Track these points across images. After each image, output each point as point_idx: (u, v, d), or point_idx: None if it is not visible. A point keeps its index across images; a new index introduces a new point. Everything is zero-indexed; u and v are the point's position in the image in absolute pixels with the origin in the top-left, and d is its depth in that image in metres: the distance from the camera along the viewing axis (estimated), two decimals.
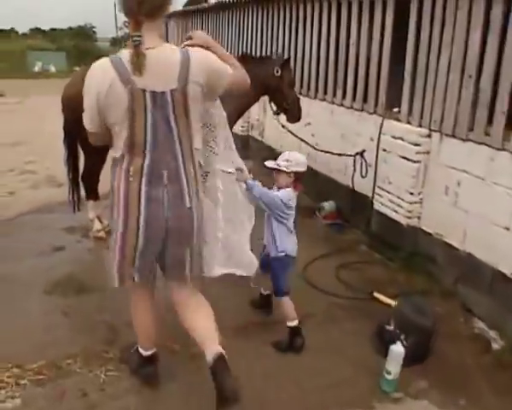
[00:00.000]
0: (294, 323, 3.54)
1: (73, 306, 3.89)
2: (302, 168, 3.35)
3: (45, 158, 7.79)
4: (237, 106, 4.77)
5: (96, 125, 2.46)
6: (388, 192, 4.96)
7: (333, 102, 6.09)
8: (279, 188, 3.36)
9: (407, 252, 4.78)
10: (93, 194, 5.06)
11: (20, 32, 55.21)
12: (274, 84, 4.95)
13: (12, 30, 55.82)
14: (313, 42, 6.45)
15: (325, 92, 6.27)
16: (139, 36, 2.26)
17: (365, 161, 5.32)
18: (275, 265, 3.49)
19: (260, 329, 3.75)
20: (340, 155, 5.68)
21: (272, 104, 5.30)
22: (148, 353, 3.01)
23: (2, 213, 5.68)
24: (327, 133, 6.13)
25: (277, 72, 4.93)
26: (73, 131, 4.48)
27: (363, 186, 5.45)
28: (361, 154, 5.36)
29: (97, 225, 5.05)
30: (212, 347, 2.72)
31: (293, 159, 3.34)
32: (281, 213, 3.34)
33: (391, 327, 3.53)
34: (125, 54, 2.30)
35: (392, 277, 4.68)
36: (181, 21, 12.10)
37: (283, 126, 5.57)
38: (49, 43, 37.70)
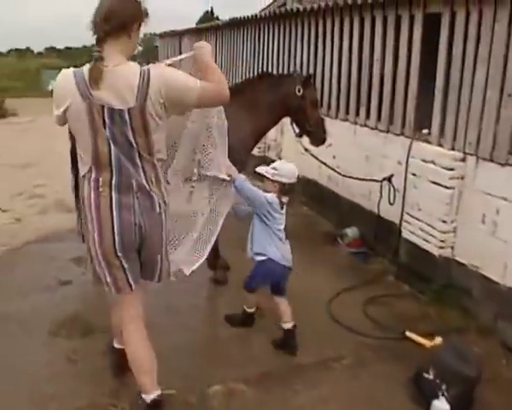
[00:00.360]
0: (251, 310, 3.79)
1: (78, 350, 3.57)
2: (286, 180, 3.38)
3: (54, 181, 7.53)
4: (254, 128, 4.44)
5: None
6: (418, 220, 4.60)
7: (356, 123, 5.76)
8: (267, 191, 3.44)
9: (439, 284, 4.42)
10: None
11: (35, 51, 55.92)
12: (295, 104, 4.56)
13: (28, 49, 56.47)
14: (334, 58, 6.13)
15: (347, 112, 5.94)
16: (99, 51, 2.36)
17: (393, 187, 4.96)
18: (255, 267, 3.63)
19: (284, 374, 3.42)
20: (366, 180, 5.31)
21: (294, 126, 4.87)
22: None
23: (9, 242, 5.41)
24: (349, 155, 5.79)
25: (299, 91, 4.53)
26: None
27: (389, 212, 5.10)
28: (389, 179, 5.00)
29: None
30: (152, 390, 2.75)
31: (280, 169, 3.41)
32: (265, 213, 3.42)
33: (430, 376, 3.17)
34: (86, 68, 2.37)
35: (423, 311, 4.33)
36: (194, 39, 11.86)
37: (306, 150, 5.16)
38: (63, 61, 37.85)
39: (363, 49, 5.58)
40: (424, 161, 4.50)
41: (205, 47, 2.82)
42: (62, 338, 3.70)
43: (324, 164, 5.53)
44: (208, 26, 10.87)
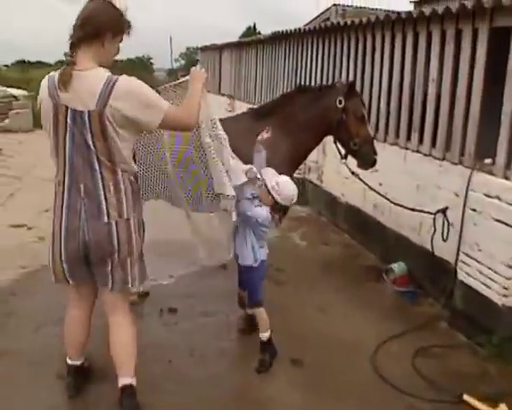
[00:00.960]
0: (267, 334, 3.58)
1: (86, 399, 3.18)
2: (281, 199, 3.34)
3: None
4: (293, 151, 4.00)
5: None
6: (477, 261, 4.03)
7: (406, 148, 5.21)
8: (260, 201, 3.40)
9: (501, 337, 3.83)
10: None
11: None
12: (336, 118, 4.00)
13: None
14: (383, 77, 5.62)
15: (397, 135, 5.41)
16: (70, 56, 2.53)
17: (448, 221, 4.40)
18: (254, 275, 3.55)
19: None
20: (418, 211, 4.75)
21: (338, 145, 4.29)
22: (75, 362, 3.18)
23: (29, 264, 5.09)
24: (398, 183, 5.25)
25: (340, 102, 3.97)
26: None
27: (442, 249, 4.54)
28: (443, 212, 4.44)
29: None
30: (123, 377, 2.95)
31: (280, 187, 3.35)
32: (262, 229, 3.43)
33: None
34: (58, 72, 2.54)
35: (483, 369, 3.75)
36: (235, 53, 11.55)
37: (353, 173, 4.53)
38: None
39: (416, 67, 5.05)
40: (487, 195, 3.94)
41: (198, 74, 2.91)
42: None
43: (373, 190, 4.96)
44: (249, 40, 10.51)
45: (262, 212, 3.36)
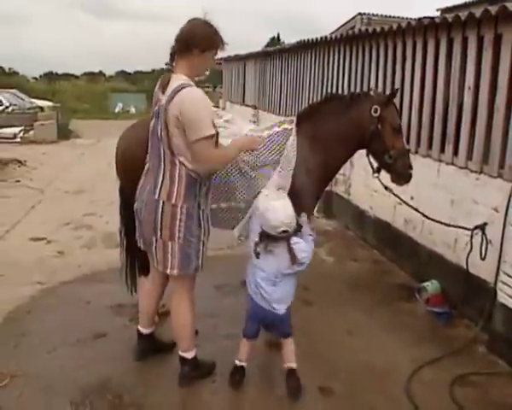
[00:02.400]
0: (294, 365, 3.44)
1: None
2: (264, 226, 3.15)
3: (105, 210, 7.15)
4: (323, 166, 3.75)
5: None
6: None
7: (440, 160, 4.94)
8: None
9: None
10: (145, 268, 4.18)
11: (107, 75, 57.86)
12: (371, 128, 3.71)
13: (100, 72, 58.59)
14: (415, 85, 5.37)
15: (430, 147, 5.14)
16: (170, 65, 3.03)
17: (486, 238, 4.12)
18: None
19: None
20: (453, 226, 4.47)
21: (371, 158, 3.99)
22: (143, 330, 3.64)
23: (47, 280, 4.97)
24: (431, 197, 4.98)
25: (376, 111, 3.67)
26: (132, 199, 3.37)
27: (479, 268, 4.26)
28: (482, 228, 4.16)
29: None
30: (180, 351, 3.42)
31: (261, 209, 3.20)
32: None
33: None
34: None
35: None
36: (258, 63, 11.40)
37: (386, 188, 4.20)
38: (131, 85, 38.87)
39: (451, 75, 4.79)
40: None
41: (250, 142, 3.35)
42: None
43: (408, 204, 4.68)
44: (274, 49, 10.34)
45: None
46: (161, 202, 2.97)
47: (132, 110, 28.94)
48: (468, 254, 4.29)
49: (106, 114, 26.26)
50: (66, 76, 51.69)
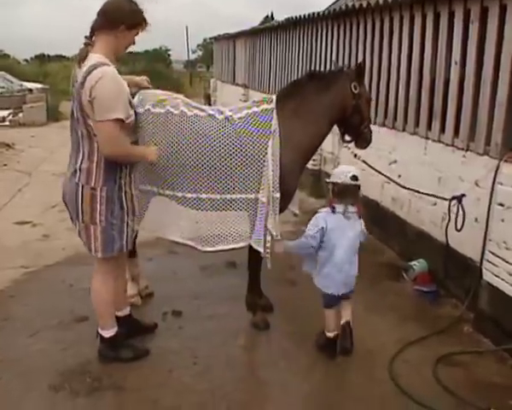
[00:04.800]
0: (329, 334, 3.53)
1: None
2: (336, 179, 3.33)
3: None
4: (306, 138, 3.68)
5: None
6: (506, 261, 3.68)
7: (427, 137, 4.87)
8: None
9: None
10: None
11: None
12: (351, 103, 3.79)
13: None
14: (402, 61, 5.27)
15: (417, 124, 5.06)
16: (90, 40, 2.91)
17: (463, 209, 4.07)
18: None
19: None
20: (430, 195, 4.43)
21: (342, 131, 4.04)
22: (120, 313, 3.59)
23: (32, 263, 4.92)
24: (418, 175, 4.92)
25: (355, 88, 3.77)
26: None
27: (464, 246, 4.21)
28: (458, 199, 4.11)
29: (131, 289, 4.11)
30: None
31: (333, 171, 3.44)
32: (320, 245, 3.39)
33: None
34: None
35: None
36: (248, 41, 11.23)
37: (356, 156, 4.33)
38: (123, 65, 38.30)
39: (438, 50, 4.69)
40: None
41: (150, 153, 3.21)
42: (64, 396, 3.07)
43: (384, 175, 4.67)
44: (263, 27, 10.19)
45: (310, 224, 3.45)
46: (81, 185, 2.92)
47: None
48: (447, 226, 4.25)
49: None
50: (58, 58, 51.04)
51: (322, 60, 7.29)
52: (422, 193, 4.48)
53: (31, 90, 15.82)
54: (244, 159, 3.44)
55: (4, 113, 14.31)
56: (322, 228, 3.31)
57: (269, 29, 9.68)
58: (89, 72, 2.73)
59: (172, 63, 50.70)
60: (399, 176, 5.18)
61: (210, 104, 15.79)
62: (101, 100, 2.73)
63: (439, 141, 4.65)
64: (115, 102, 2.79)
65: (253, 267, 3.89)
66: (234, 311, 4.04)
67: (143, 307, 4.12)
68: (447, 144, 4.54)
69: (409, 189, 4.54)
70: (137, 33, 2.98)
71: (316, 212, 3.56)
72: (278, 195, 3.42)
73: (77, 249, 5.06)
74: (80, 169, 2.91)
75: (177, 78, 35.43)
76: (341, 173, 3.33)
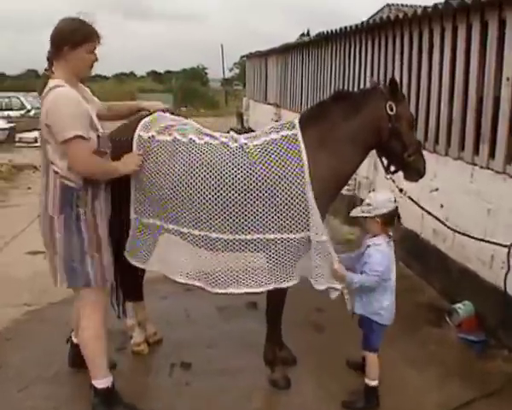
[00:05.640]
0: (374, 383, 3.18)
1: None
2: (385, 209, 3.05)
3: None
4: (334, 168, 3.15)
5: None
6: None
7: (473, 163, 4.29)
8: (373, 236, 3.14)
9: None
10: (133, 292, 3.71)
11: (138, 75, 58.18)
12: (389, 128, 3.21)
13: (131, 73, 58.93)
14: (444, 78, 4.72)
15: (461, 148, 4.49)
16: (48, 70, 2.86)
17: None
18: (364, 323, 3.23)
19: None
20: (486, 241, 3.81)
21: (384, 160, 3.45)
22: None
23: (36, 301, 4.55)
24: (463, 206, 4.35)
25: (391, 109, 3.19)
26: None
27: None
28: None
29: (137, 336, 3.70)
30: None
31: (374, 201, 3.09)
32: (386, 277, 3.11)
33: None
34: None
35: None
36: (280, 59, 10.84)
37: (401, 191, 3.50)
38: (159, 84, 38.80)
39: (485, 66, 4.13)
40: None
41: (132, 160, 3.04)
42: None
43: (431, 214, 3.97)
44: (295, 43, 9.77)
45: (377, 258, 3.11)
46: (45, 214, 2.82)
47: None
48: (506, 274, 3.63)
49: (133, 116, 26.11)
50: (98, 78, 52.23)
51: (356, 77, 6.81)
52: (475, 238, 3.81)
53: None
54: (262, 193, 2.98)
55: (36, 134, 14.28)
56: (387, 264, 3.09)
57: (300, 45, 9.27)
58: (45, 96, 2.71)
59: (209, 81, 51.24)
60: (442, 206, 4.62)
61: (242, 123, 15.51)
62: (57, 120, 2.65)
63: (488, 168, 4.07)
64: (71, 119, 2.66)
65: (273, 313, 3.40)
66: (251, 363, 3.54)
67: (150, 357, 3.69)
68: (497, 172, 3.95)
69: (459, 232, 3.88)
70: (93, 49, 2.84)
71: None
72: (324, 238, 3.05)
73: None
74: (45, 197, 2.82)
75: (212, 95, 35.62)
76: (386, 202, 3.06)
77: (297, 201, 2.99)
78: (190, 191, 3.02)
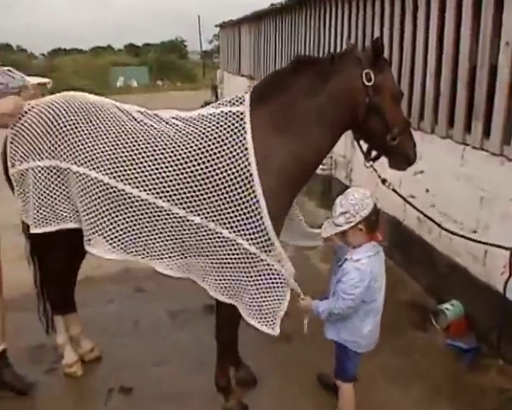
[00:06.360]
0: None
1: None
2: (366, 211, 2.42)
3: None
4: (294, 155, 2.50)
5: None
6: None
7: (465, 143, 3.72)
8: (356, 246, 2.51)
9: None
10: (61, 303, 3.10)
11: (116, 49, 56.41)
12: (366, 102, 2.52)
13: (109, 46, 57.15)
14: (430, 44, 4.11)
15: (451, 125, 3.91)
16: None
17: None
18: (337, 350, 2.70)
19: None
20: (483, 243, 3.19)
21: (362, 143, 2.76)
22: None
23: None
24: (452, 192, 3.79)
25: (368, 78, 2.49)
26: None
27: None
28: None
29: (69, 356, 3.13)
30: None
31: (347, 207, 2.44)
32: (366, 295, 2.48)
33: None
34: None
35: None
36: (253, 27, 10.16)
37: (385, 182, 2.82)
38: (134, 58, 37.71)
39: (480, 30, 3.53)
40: None
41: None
42: None
43: (419, 210, 3.25)
44: (268, 9, 9.06)
45: (353, 276, 2.49)
46: None
47: (134, 84, 27.91)
48: (507, 280, 3.06)
49: (106, 90, 25.16)
50: (74, 51, 50.68)
51: (332, 44, 6.20)
52: (469, 239, 3.16)
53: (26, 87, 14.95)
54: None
55: None
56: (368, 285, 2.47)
57: (273, 12, 8.60)
58: None
59: (189, 54, 50.23)
60: (427, 191, 4.07)
61: (217, 96, 14.78)
62: None
63: (482, 148, 3.50)
64: None
65: (224, 329, 2.82)
66: (204, 385, 2.96)
67: (84, 380, 3.12)
68: (493, 153, 3.38)
69: (453, 233, 3.23)
70: None
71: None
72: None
73: (20, 290, 4.01)
74: None
75: (190, 68, 34.73)
76: (363, 200, 2.43)
77: (239, 200, 2.38)
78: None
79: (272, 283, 2.52)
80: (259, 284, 2.51)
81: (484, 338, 3.48)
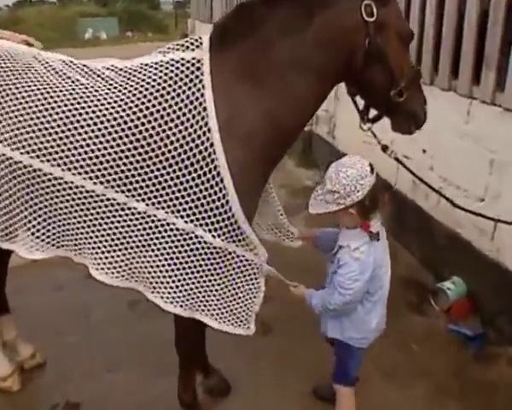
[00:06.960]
0: None
1: None
2: (359, 193, 1.91)
3: None
4: (269, 116, 1.91)
5: None
6: None
7: (472, 96, 3.16)
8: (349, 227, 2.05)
9: None
10: None
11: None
12: (363, 44, 1.91)
13: None
14: None
15: (455, 74, 3.34)
16: None
17: None
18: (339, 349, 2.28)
19: None
20: (490, 219, 2.65)
21: (358, 99, 2.18)
22: None
23: None
24: (455, 153, 3.28)
25: (370, 13, 1.87)
26: None
27: None
28: None
29: (2, 368, 2.64)
30: None
31: (338, 186, 1.94)
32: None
33: None
34: None
35: None
36: None
37: (385, 149, 2.24)
38: (102, 9, 36.13)
39: None
40: None
41: None
42: None
43: (420, 179, 2.67)
44: None
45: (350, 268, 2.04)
46: None
47: (103, 36, 26.68)
48: None
49: (74, 42, 23.99)
50: (40, 3, 48.55)
51: None
52: (475, 213, 2.58)
53: None
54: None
55: None
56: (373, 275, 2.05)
57: None
58: None
59: (162, 5, 48.61)
60: (424, 151, 3.56)
61: None
62: None
63: (494, 103, 2.95)
64: None
65: (186, 339, 2.30)
66: (170, 391, 2.44)
67: (22, 395, 2.59)
68: (507, 109, 2.84)
69: (459, 207, 2.63)
70: None
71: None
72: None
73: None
74: None
75: (161, 19, 33.44)
76: (357, 180, 1.92)
77: (197, 178, 1.82)
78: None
79: (244, 276, 2.01)
80: (228, 282, 1.99)
81: (490, 323, 3.06)
